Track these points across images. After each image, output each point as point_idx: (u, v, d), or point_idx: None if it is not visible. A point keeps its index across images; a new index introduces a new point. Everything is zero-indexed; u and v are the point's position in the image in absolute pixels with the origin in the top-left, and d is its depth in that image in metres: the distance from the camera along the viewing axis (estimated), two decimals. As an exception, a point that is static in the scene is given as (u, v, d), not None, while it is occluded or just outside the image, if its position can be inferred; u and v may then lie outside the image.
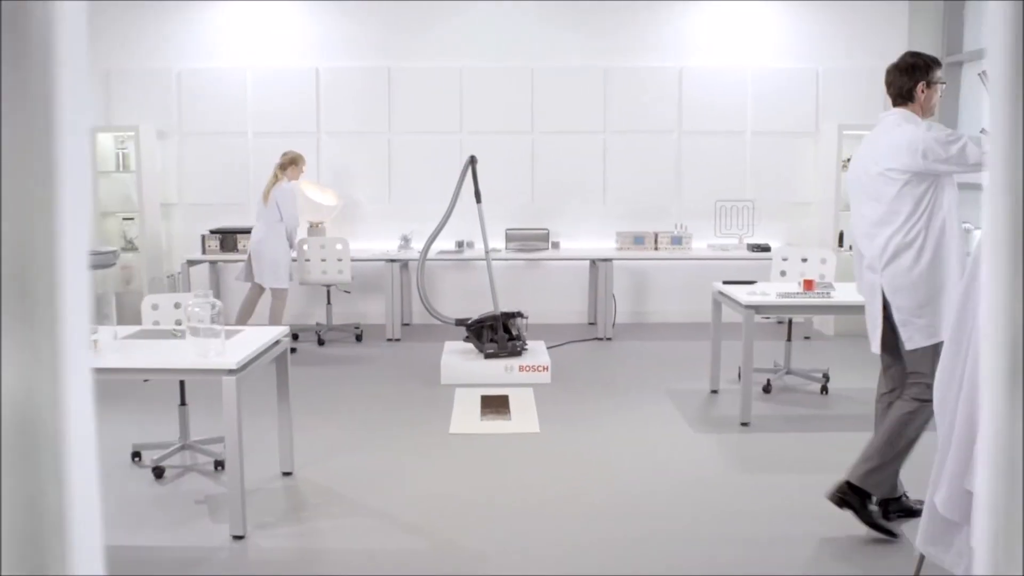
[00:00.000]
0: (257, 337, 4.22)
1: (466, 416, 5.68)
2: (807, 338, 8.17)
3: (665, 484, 4.56)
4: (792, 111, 8.82)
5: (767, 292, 5.66)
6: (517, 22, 8.66)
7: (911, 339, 3.79)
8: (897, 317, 3.79)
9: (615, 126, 8.78)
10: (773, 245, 8.67)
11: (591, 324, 8.81)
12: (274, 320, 7.35)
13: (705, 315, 8.78)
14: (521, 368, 6.54)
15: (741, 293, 5.65)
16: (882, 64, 8.90)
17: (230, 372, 3.73)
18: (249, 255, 7.46)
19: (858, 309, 5.76)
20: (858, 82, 8.81)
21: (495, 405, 5.94)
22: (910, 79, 3.80)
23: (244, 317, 7.51)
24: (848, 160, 8.49)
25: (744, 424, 5.52)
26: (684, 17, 8.75)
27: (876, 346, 3.98)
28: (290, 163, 7.48)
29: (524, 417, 5.66)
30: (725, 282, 6.12)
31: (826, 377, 6.44)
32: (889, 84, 3.88)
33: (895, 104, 3.88)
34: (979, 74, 3.60)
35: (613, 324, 8.31)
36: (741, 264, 8.72)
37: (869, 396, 6.30)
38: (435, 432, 5.38)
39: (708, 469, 4.78)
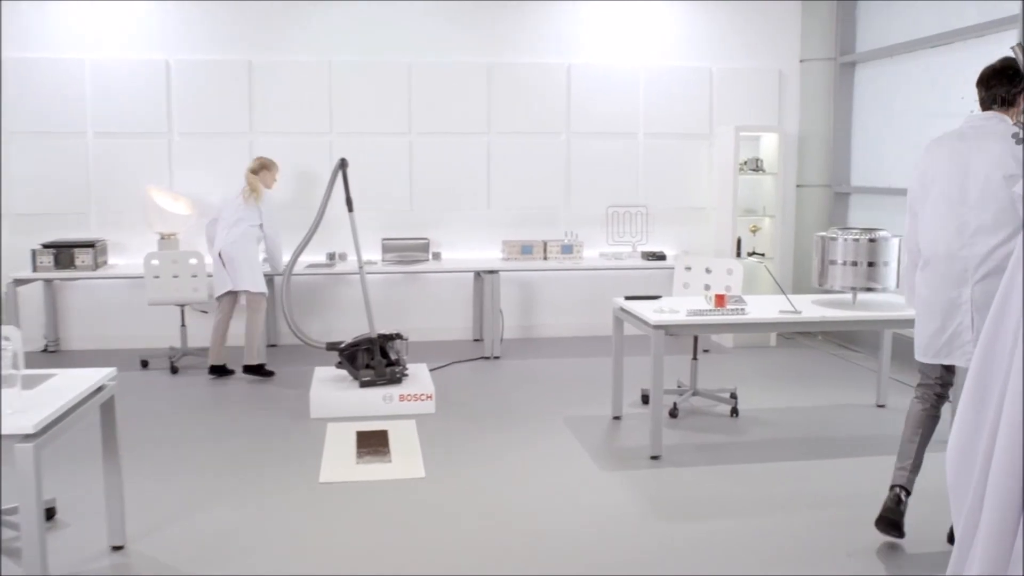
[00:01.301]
0: (71, 385, 3.37)
1: (339, 459, 4.91)
2: (706, 351, 7.71)
3: (570, 536, 3.91)
4: (686, 112, 8.38)
5: (676, 309, 5.11)
6: (392, 14, 7.91)
7: None
8: (979, 336, 3.48)
9: (500, 127, 8.14)
10: (668, 253, 8.21)
11: (477, 341, 8.15)
12: (254, 332, 6.72)
13: (600, 328, 8.31)
14: (402, 397, 5.81)
15: (647, 311, 5.08)
16: (776, 65, 8.50)
17: (27, 437, 2.89)
18: (222, 262, 6.68)
19: (770, 326, 5.29)
20: (753, 83, 8.44)
21: (373, 443, 5.19)
22: (1014, 86, 3.67)
23: (221, 335, 6.82)
24: (745, 163, 8.11)
25: (654, 457, 4.94)
26: (572, 12, 8.18)
27: (969, 360, 3.55)
28: (262, 168, 6.85)
29: (406, 458, 4.93)
30: (628, 297, 5.54)
31: (735, 397, 5.96)
32: (989, 87, 3.71)
33: (988, 108, 3.73)
34: (1012, 47, 3.15)
35: (501, 340, 7.66)
36: (636, 274, 8.23)
37: (780, 418, 5.91)
38: (302, 482, 4.60)
39: (620, 515, 4.16)
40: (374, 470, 4.73)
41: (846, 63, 8.24)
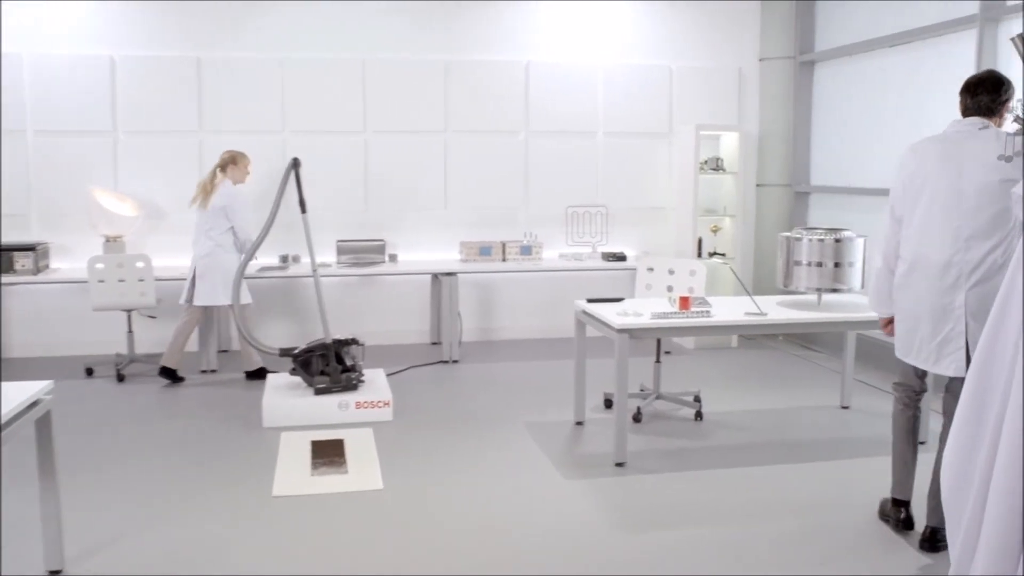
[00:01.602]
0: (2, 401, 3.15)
1: (293, 471, 4.72)
2: (667, 352, 7.60)
3: (535, 549, 3.77)
4: (645, 111, 8.28)
5: (640, 312, 4.99)
6: (347, 10, 7.71)
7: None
8: (971, 341, 3.58)
9: (457, 125, 7.97)
10: (629, 253, 8.11)
11: (435, 344, 7.98)
12: (245, 342, 6.34)
13: (560, 330, 8.18)
14: (358, 404, 5.62)
15: (610, 314, 4.95)
16: (736, 63, 8.44)
17: (-50, 458, 2.68)
18: (193, 274, 6.52)
19: (736, 329, 5.19)
20: (713, 82, 8.37)
21: (328, 453, 5.00)
22: (999, 95, 3.70)
23: (183, 340, 6.57)
24: (705, 162, 8.03)
25: (619, 464, 4.82)
26: (530, 9, 8.04)
27: (959, 369, 3.65)
28: (230, 162, 6.58)
29: (363, 468, 4.76)
30: (590, 300, 5.41)
31: (698, 400, 5.86)
32: (975, 95, 3.71)
33: (971, 115, 3.73)
34: (1012, 39, 3.10)
35: (459, 343, 7.50)
36: (597, 275, 8.12)
37: (745, 421, 5.82)
38: (255, 496, 4.40)
39: (585, 526, 4.03)
40: (330, 482, 4.55)
41: (805, 62, 8.20)
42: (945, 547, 3.78)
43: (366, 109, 7.79)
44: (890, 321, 3.98)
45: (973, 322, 3.59)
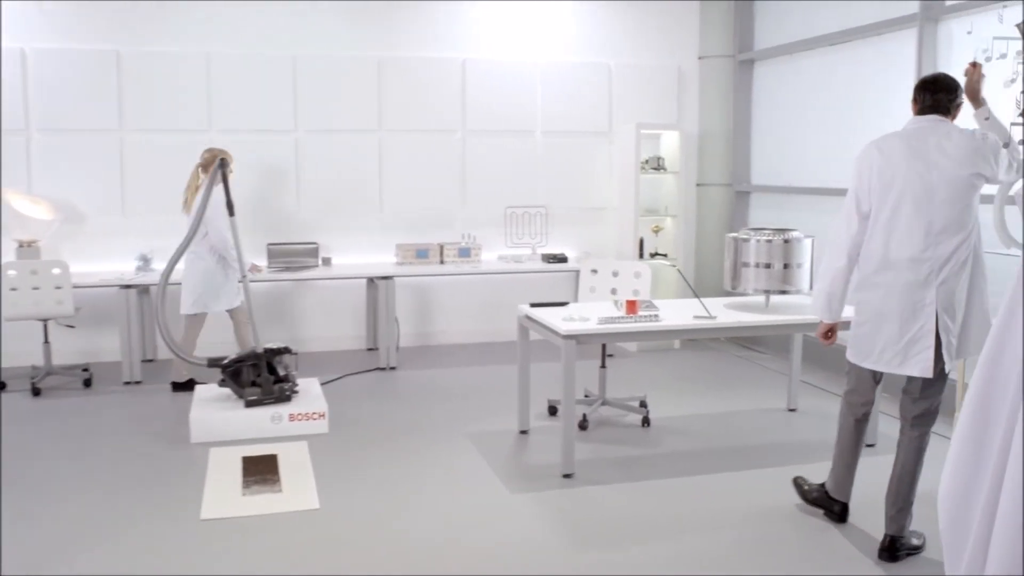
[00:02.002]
0: None
1: (224, 490, 4.43)
2: (610, 355, 7.47)
3: (482, 567, 3.56)
4: (585, 109, 8.13)
5: (586, 317, 4.82)
6: (276, 4, 7.40)
7: (948, 363, 3.65)
8: (944, 339, 3.59)
9: (392, 124, 7.72)
10: (569, 255, 7.96)
11: (371, 350, 7.72)
12: (245, 344, 6.17)
13: (501, 334, 7.99)
14: (292, 417, 5.35)
15: (555, 319, 4.77)
16: (675, 61, 8.32)
17: None
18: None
19: (686, 333, 5.03)
20: (652, 80, 8.27)
21: (261, 470, 4.73)
22: (956, 97, 3.69)
23: (189, 352, 6.14)
24: (646, 161, 7.91)
25: (567, 476, 4.64)
26: (467, 5, 7.83)
27: (926, 369, 3.62)
28: (212, 161, 6.08)
29: (298, 486, 4.50)
30: (533, 304, 5.22)
31: (644, 406, 5.72)
32: (935, 92, 3.69)
33: (928, 112, 3.70)
34: (1017, 25, 3.02)
35: (397, 349, 7.25)
36: (537, 277, 7.96)
37: (693, 426, 5.67)
38: (182, 519, 4.11)
39: (534, 542, 3.83)
40: (263, 502, 4.28)
41: (745, 60, 8.14)
42: (904, 556, 3.72)
43: (297, 107, 7.50)
44: (832, 328, 3.87)
45: (942, 319, 3.57)
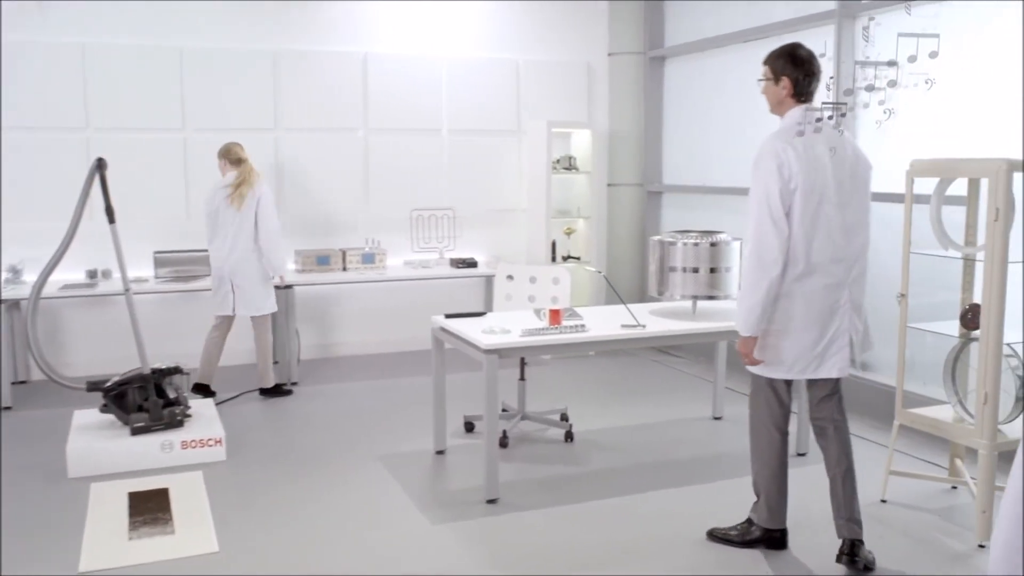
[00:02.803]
0: None
1: (107, 534, 3.93)
2: (525, 364, 7.15)
3: (411, 623, 3.20)
4: (493, 107, 7.80)
5: (507, 328, 4.49)
6: (157, -9, 6.84)
7: (857, 359, 3.62)
8: (853, 337, 3.53)
9: (288, 122, 7.23)
10: (479, 259, 7.62)
11: (275, 363, 7.20)
12: (266, 355, 6.19)
13: (409, 343, 7.60)
14: (184, 444, 4.85)
15: (475, 331, 4.43)
16: (585, 58, 8.05)
17: None
18: (229, 283, 6.02)
19: (615, 343, 4.72)
20: (562, 77, 7.99)
21: (150, 508, 4.23)
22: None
23: (214, 360, 6.10)
24: (558, 161, 7.63)
25: (491, 501, 4.29)
26: (365, -6, 7.41)
27: (844, 369, 3.54)
28: (226, 154, 6.09)
29: (194, 525, 4.02)
30: (449, 315, 4.86)
31: (566, 419, 5.44)
32: (816, 78, 3.58)
33: (804, 101, 3.56)
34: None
35: (298, 363, 6.77)
36: (447, 283, 7.61)
37: (618, 440, 5.37)
38: (57, 571, 3.60)
39: (463, 584, 3.48)
40: (153, 547, 3.79)
41: (655, 57, 7.95)
42: (861, 563, 3.51)
43: (184, 104, 6.93)
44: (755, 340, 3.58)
45: (851, 316, 3.52)
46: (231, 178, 5.97)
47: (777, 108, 3.60)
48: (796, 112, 3.50)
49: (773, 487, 3.70)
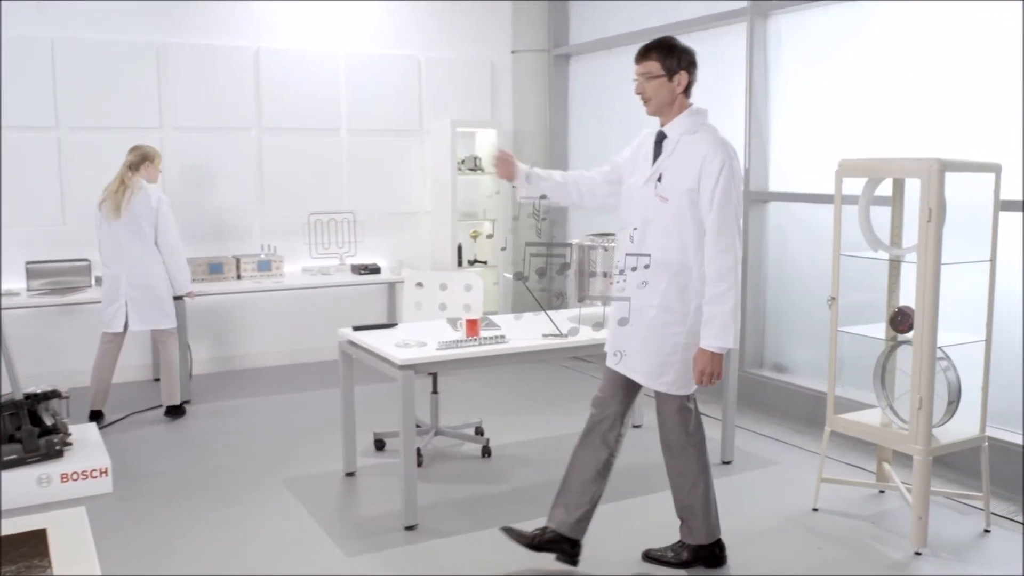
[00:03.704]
0: None
1: (-26, 584, 3.47)
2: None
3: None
4: (394, 106, 7.47)
5: (422, 341, 4.19)
6: (25, -23, 6.27)
7: None
8: None
9: (175, 120, 6.75)
10: (382, 265, 7.28)
11: (159, 381, 6.68)
12: (173, 369, 5.76)
13: (309, 354, 7.20)
14: (65, 477, 4.39)
15: (387, 345, 4.12)
16: (488, 55, 7.79)
17: None
18: (123, 297, 5.54)
19: (541, 355, 4.46)
20: (465, 75, 7.73)
21: (25, 553, 3.74)
22: None
23: (107, 376, 5.66)
24: (463, 161, 7.37)
25: (409, 528, 3.99)
26: (256, -14, 6.98)
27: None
28: (142, 160, 5.56)
29: (77, 570, 3.59)
30: (357, 328, 4.53)
31: (481, 432, 5.19)
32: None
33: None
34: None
35: (190, 378, 6.30)
36: (349, 291, 7.26)
37: (537, 453, 5.09)
38: (-86, 633, 3.14)
39: (385, 626, 3.18)
40: (29, 599, 3.36)
41: (560, 55, 7.75)
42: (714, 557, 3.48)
43: (58, 100, 6.38)
44: None
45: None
46: (111, 184, 5.53)
47: (665, 109, 3.32)
48: (695, 111, 3.32)
49: (711, 500, 3.53)
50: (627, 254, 3.44)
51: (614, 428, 3.47)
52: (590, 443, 3.50)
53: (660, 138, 3.36)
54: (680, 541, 3.61)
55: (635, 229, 3.42)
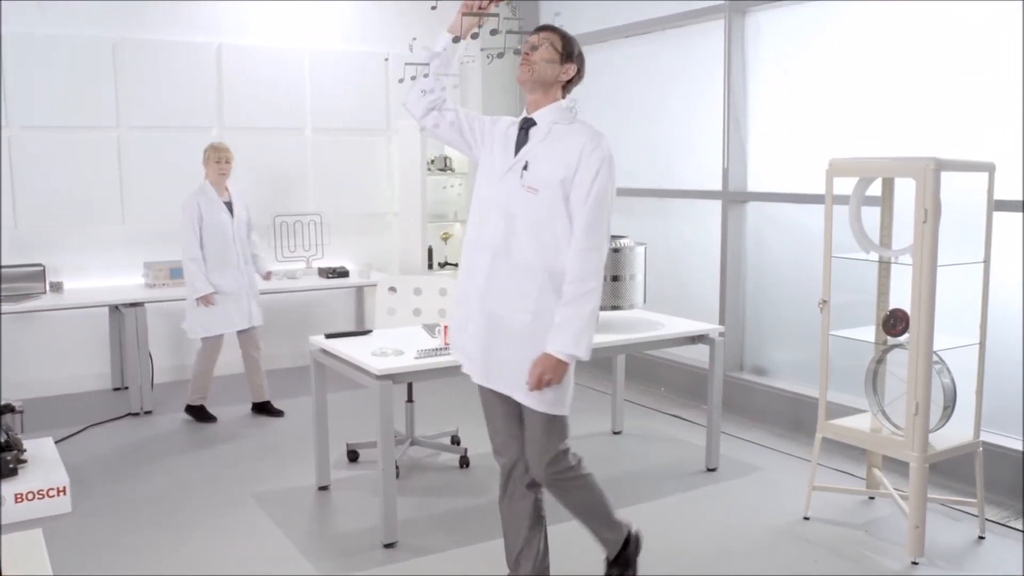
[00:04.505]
0: None
1: (-78, 617, 3.23)
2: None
3: None
4: (360, 104, 7.27)
5: (399, 349, 4.02)
6: (-28, -31, 5.98)
7: None
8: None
9: (133, 119, 6.48)
10: (350, 268, 7.07)
11: (119, 390, 6.46)
12: (260, 367, 5.84)
13: (275, 360, 6.97)
14: (19, 497, 4.14)
15: (363, 354, 3.95)
16: (456, 54, 7.45)
17: None
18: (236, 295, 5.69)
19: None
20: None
21: (-22, 580, 3.54)
22: None
23: (208, 378, 5.75)
24: (432, 162, 7.19)
25: (389, 546, 3.81)
26: (217, -20, 6.74)
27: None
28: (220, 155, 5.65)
29: (35, 598, 3.37)
30: (329, 335, 4.34)
31: (457, 442, 5.02)
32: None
33: None
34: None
35: (152, 388, 6.06)
36: (316, 295, 7.04)
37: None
38: None
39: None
40: (-18, 633, 3.13)
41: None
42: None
43: (7, 98, 6.09)
44: None
45: None
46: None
47: (540, 89, 3.03)
48: (568, 108, 3.10)
49: (611, 513, 3.30)
50: (484, 251, 2.98)
51: (529, 468, 3.12)
52: (513, 494, 3.18)
53: (526, 125, 3.02)
54: (606, 558, 3.36)
55: (498, 224, 2.96)
